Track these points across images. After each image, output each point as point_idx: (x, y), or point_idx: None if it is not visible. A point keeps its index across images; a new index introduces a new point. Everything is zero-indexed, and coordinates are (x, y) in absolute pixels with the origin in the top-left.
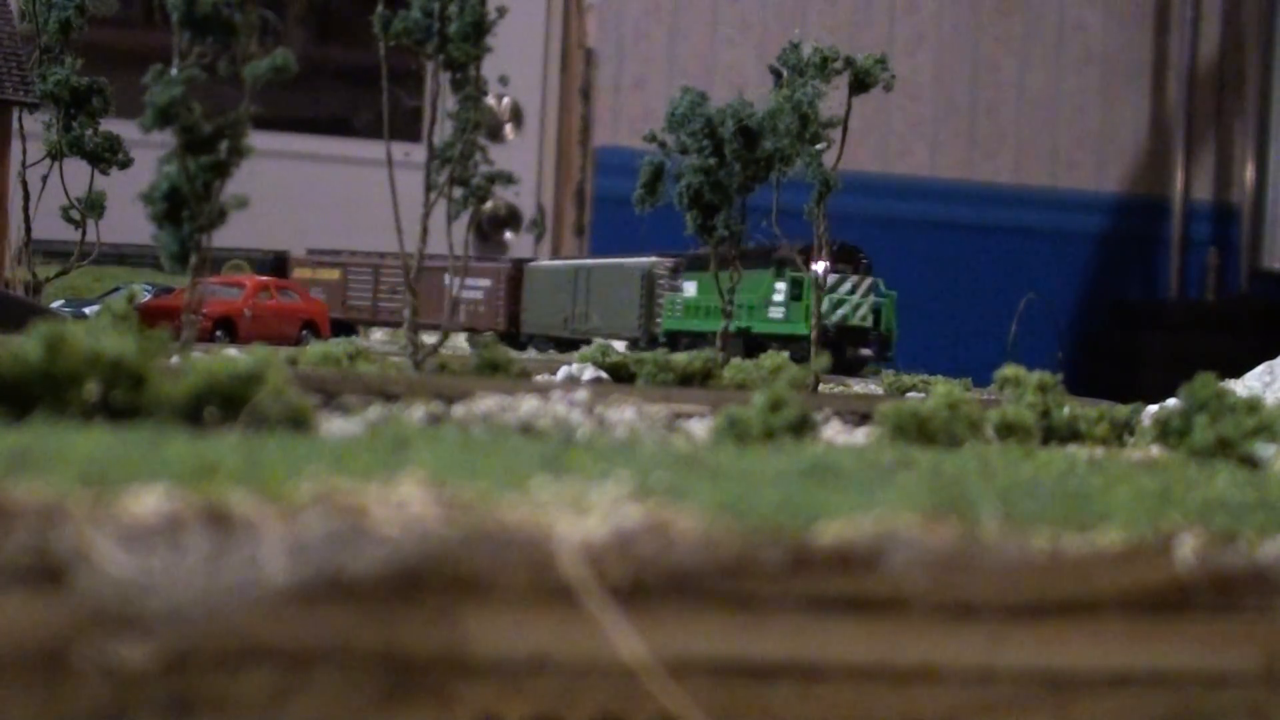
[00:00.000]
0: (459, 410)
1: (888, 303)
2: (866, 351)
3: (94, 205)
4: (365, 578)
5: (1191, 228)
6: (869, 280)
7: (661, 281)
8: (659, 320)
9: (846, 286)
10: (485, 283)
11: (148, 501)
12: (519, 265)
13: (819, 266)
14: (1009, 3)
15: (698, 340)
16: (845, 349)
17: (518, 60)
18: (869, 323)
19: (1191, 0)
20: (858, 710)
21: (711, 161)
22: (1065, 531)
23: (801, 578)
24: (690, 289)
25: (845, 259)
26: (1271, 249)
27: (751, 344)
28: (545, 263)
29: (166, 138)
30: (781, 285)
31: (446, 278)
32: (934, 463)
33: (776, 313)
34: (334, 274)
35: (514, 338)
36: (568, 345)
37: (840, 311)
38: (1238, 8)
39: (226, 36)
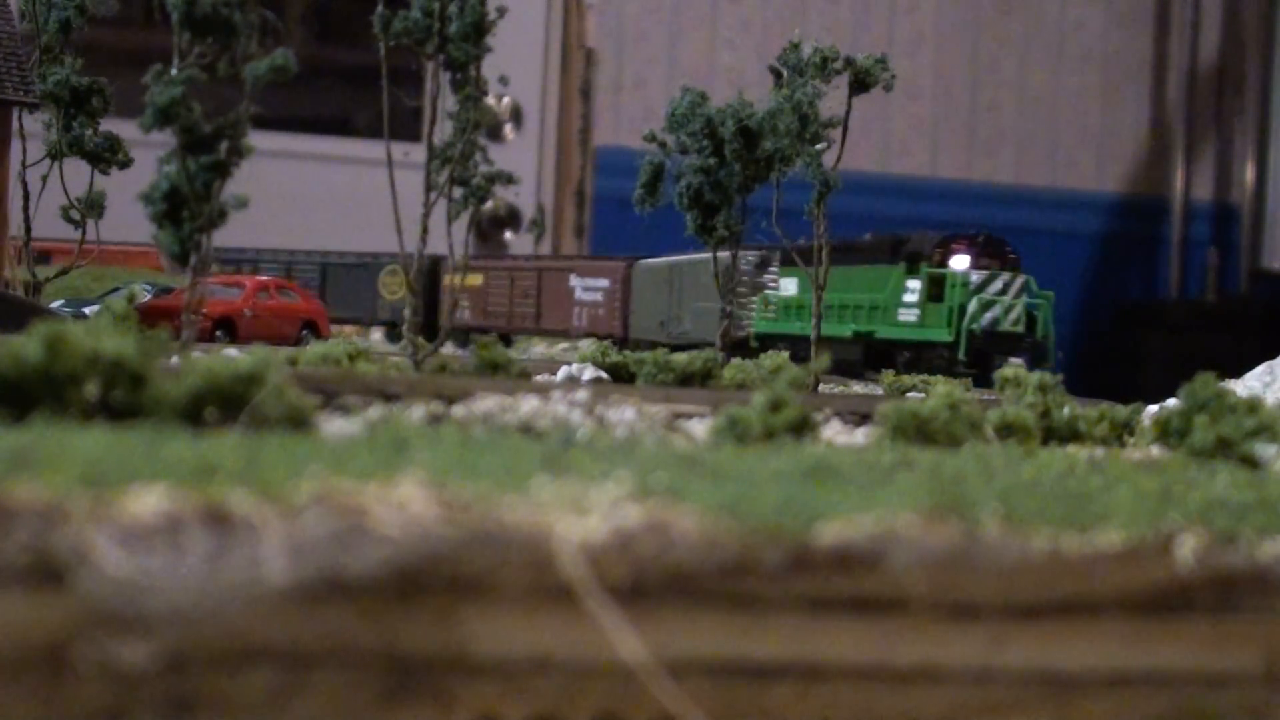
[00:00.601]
0: (459, 410)
1: (1044, 305)
2: (1017, 361)
3: (94, 205)
4: (365, 578)
5: (1191, 228)
6: (1020, 278)
7: (747, 278)
8: (747, 323)
9: (996, 286)
10: (604, 283)
11: (148, 501)
12: (630, 262)
13: (959, 261)
14: (1009, 2)
15: (799, 345)
16: (993, 359)
17: (518, 60)
18: (1021, 327)
19: (1191, 0)
20: (858, 710)
21: (711, 161)
22: (1065, 532)
23: (802, 578)
24: (790, 286)
25: (991, 254)
26: (1271, 249)
27: (875, 352)
28: (651, 260)
29: (166, 138)
30: (915, 283)
31: (572, 278)
32: (934, 463)
33: (909, 315)
34: (477, 280)
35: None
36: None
37: (989, 315)
38: (1238, 8)
39: (226, 36)
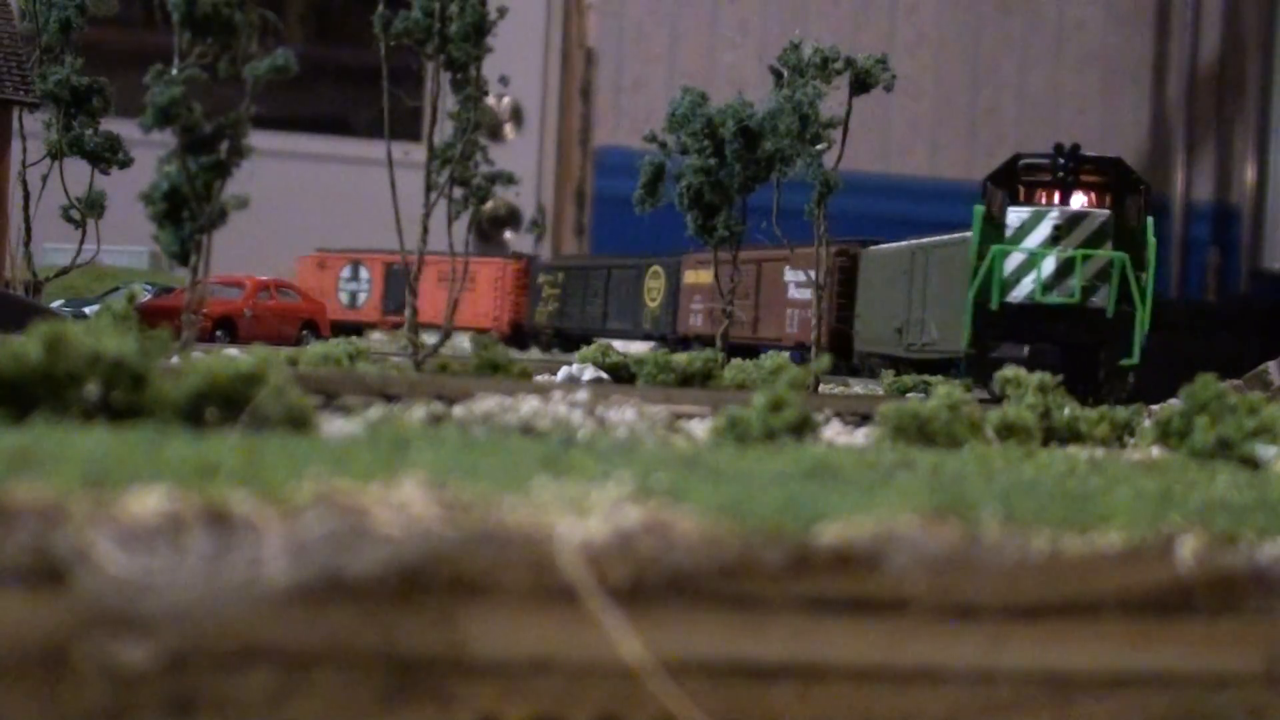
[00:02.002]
0: (459, 411)
1: (1120, 265)
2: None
3: (94, 205)
4: (366, 578)
5: (1192, 228)
6: (1099, 217)
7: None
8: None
9: (1044, 230)
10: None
11: (148, 502)
12: (851, 249)
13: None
14: (1009, 3)
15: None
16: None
17: (518, 60)
18: (1076, 296)
19: (1191, 0)
20: (858, 710)
21: (712, 162)
22: (1065, 533)
23: (802, 578)
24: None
25: (1060, 178)
26: (1272, 249)
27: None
28: (885, 245)
29: (166, 138)
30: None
31: (787, 270)
32: (934, 463)
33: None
34: (707, 277)
35: (847, 358)
36: (917, 369)
37: (1028, 279)
38: (1238, 8)
39: (226, 36)
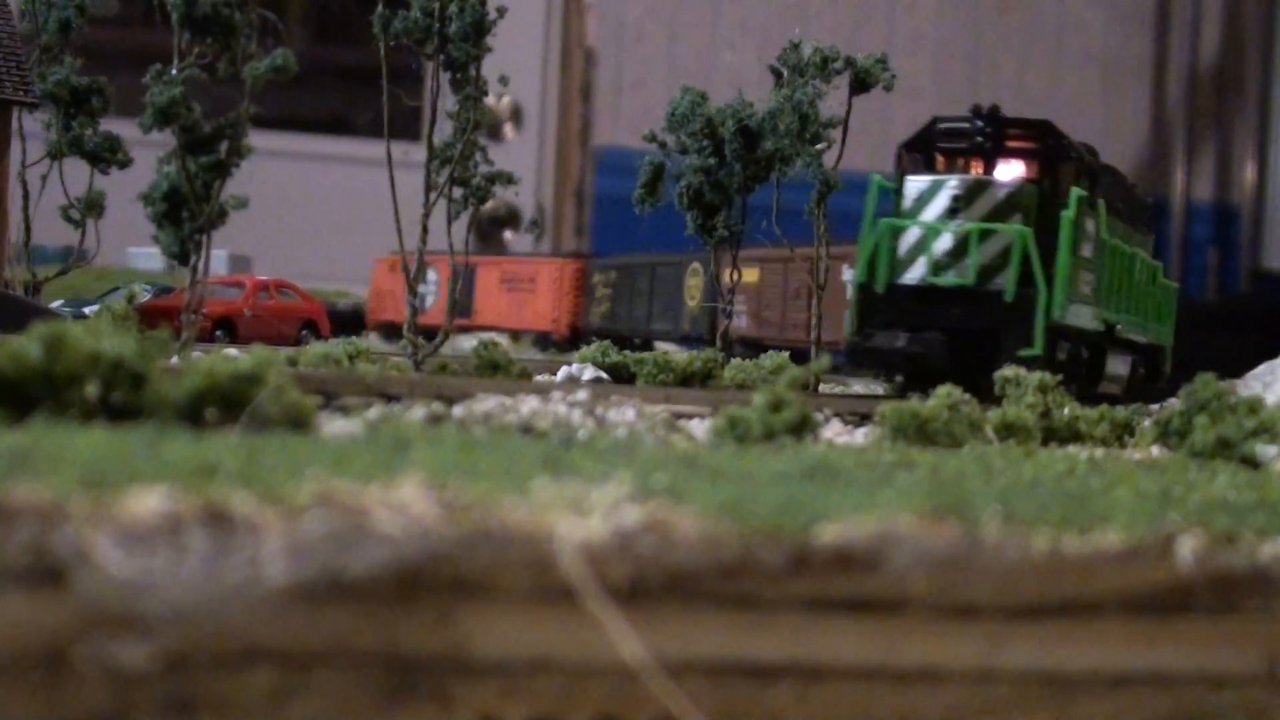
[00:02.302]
0: (459, 411)
1: (1019, 239)
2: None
3: (94, 205)
4: (366, 578)
5: (1192, 228)
6: (1008, 185)
7: None
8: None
9: (941, 200)
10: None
11: (148, 502)
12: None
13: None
14: (1009, 2)
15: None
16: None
17: (518, 60)
18: (972, 277)
19: (1191, 0)
20: (858, 710)
21: (712, 161)
22: (1065, 532)
23: (802, 578)
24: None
25: (978, 143)
26: (1272, 249)
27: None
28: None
29: (166, 138)
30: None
31: (845, 271)
32: (934, 463)
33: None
34: (752, 275)
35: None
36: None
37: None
38: (1238, 8)
39: (226, 36)
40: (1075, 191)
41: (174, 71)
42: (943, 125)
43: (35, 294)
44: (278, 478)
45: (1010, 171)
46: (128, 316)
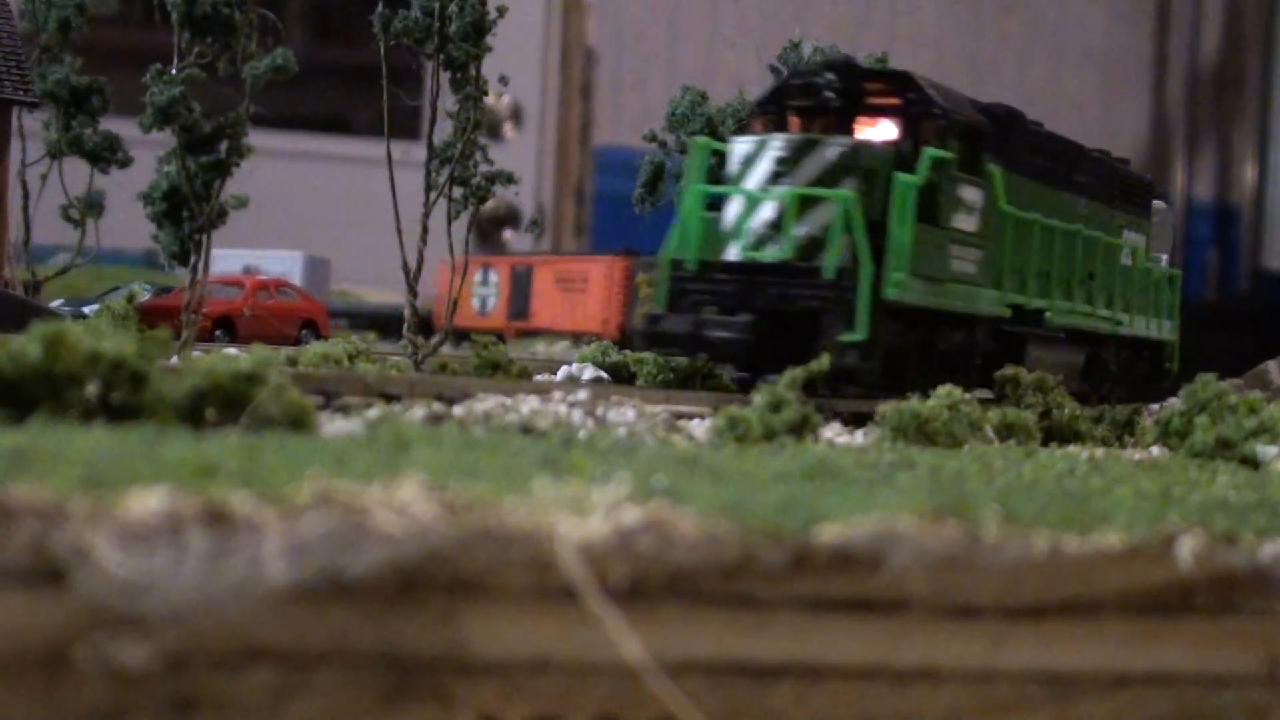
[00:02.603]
0: (459, 411)
1: (847, 204)
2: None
3: (93, 204)
4: (366, 578)
5: (1192, 228)
6: (838, 144)
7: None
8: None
9: (764, 166)
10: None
11: (148, 502)
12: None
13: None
14: (1009, 2)
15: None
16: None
17: (518, 60)
18: (789, 251)
19: (1191, 0)
20: (858, 711)
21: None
22: (1065, 532)
23: (802, 579)
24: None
25: (817, 102)
26: (1272, 249)
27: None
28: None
29: (166, 138)
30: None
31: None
32: (934, 463)
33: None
34: None
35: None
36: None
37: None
38: (1238, 8)
39: (226, 36)
40: (929, 153)
41: (174, 71)
42: (795, 80)
43: (35, 293)
44: (278, 478)
45: (873, 132)
46: (128, 316)
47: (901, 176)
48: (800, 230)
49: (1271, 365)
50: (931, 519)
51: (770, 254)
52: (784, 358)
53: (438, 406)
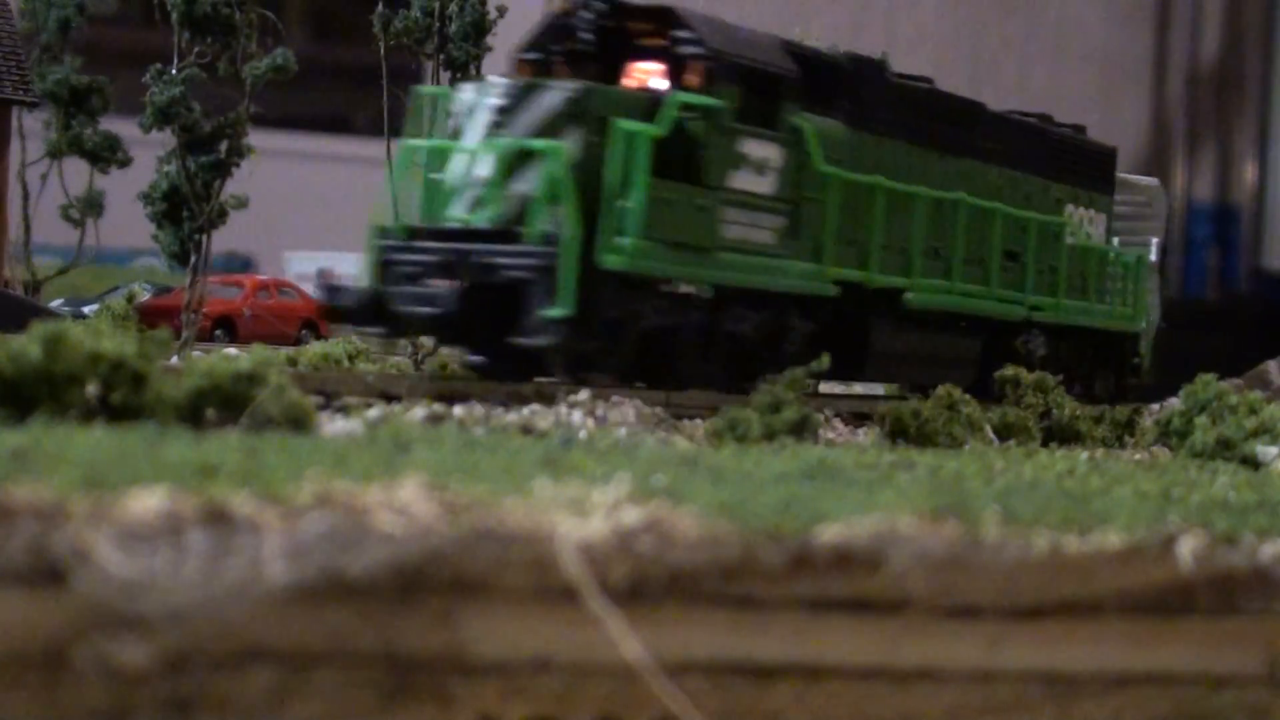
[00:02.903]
0: (459, 411)
1: (553, 159)
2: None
3: (93, 204)
4: (365, 578)
5: (1192, 227)
6: (563, 90)
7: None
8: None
9: (481, 119)
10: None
11: (148, 502)
12: None
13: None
14: (1009, 2)
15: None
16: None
17: None
18: (490, 214)
19: (1191, 0)
20: (858, 711)
21: None
22: (1065, 533)
23: (802, 579)
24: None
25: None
26: (1272, 248)
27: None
28: None
29: (166, 137)
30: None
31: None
32: (934, 463)
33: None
34: None
35: None
36: None
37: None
38: (1238, 8)
39: (226, 36)
40: (676, 98)
41: (174, 71)
42: (558, 21)
43: (35, 293)
44: (278, 478)
45: (647, 79)
46: (128, 316)
47: (626, 124)
48: (513, 189)
49: (1271, 365)
50: (931, 519)
51: (479, 217)
52: (496, 334)
53: (438, 407)
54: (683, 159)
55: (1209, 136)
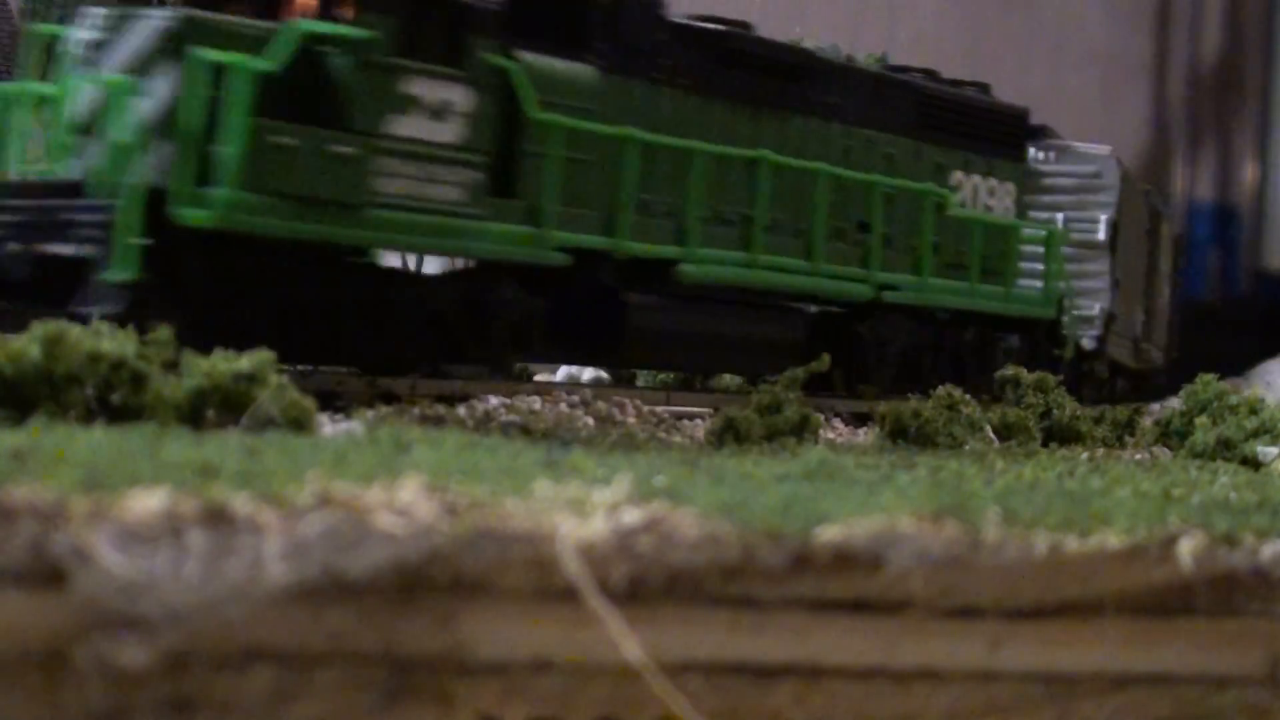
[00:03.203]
0: (460, 411)
1: (192, 89)
2: None
3: None
4: (366, 579)
5: (1193, 227)
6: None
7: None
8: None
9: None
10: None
11: (148, 502)
12: None
13: None
14: (1009, 2)
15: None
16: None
17: None
18: (68, 166)
19: (1191, 0)
20: (858, 711)
21: None
22: (1065, 533)
23: (802, 579)
24: None
25: None
26: (1273, 249)
27: None
28: None
29: None
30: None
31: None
32: (934, 464)
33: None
34: None
35: None
36: None
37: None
38: (1238, 8)
39: None
40: (293, 27)
41: None
42: None
43: None
44: (278, 478)
45: (306, 11)
46: None
47: (213, 55)
48: (87, 136)
49: (1272, 365)
50: (932, 520)
51: (52, 169)
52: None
53: (438, 407)
54: (318, 100)
55: (1209, 136)
